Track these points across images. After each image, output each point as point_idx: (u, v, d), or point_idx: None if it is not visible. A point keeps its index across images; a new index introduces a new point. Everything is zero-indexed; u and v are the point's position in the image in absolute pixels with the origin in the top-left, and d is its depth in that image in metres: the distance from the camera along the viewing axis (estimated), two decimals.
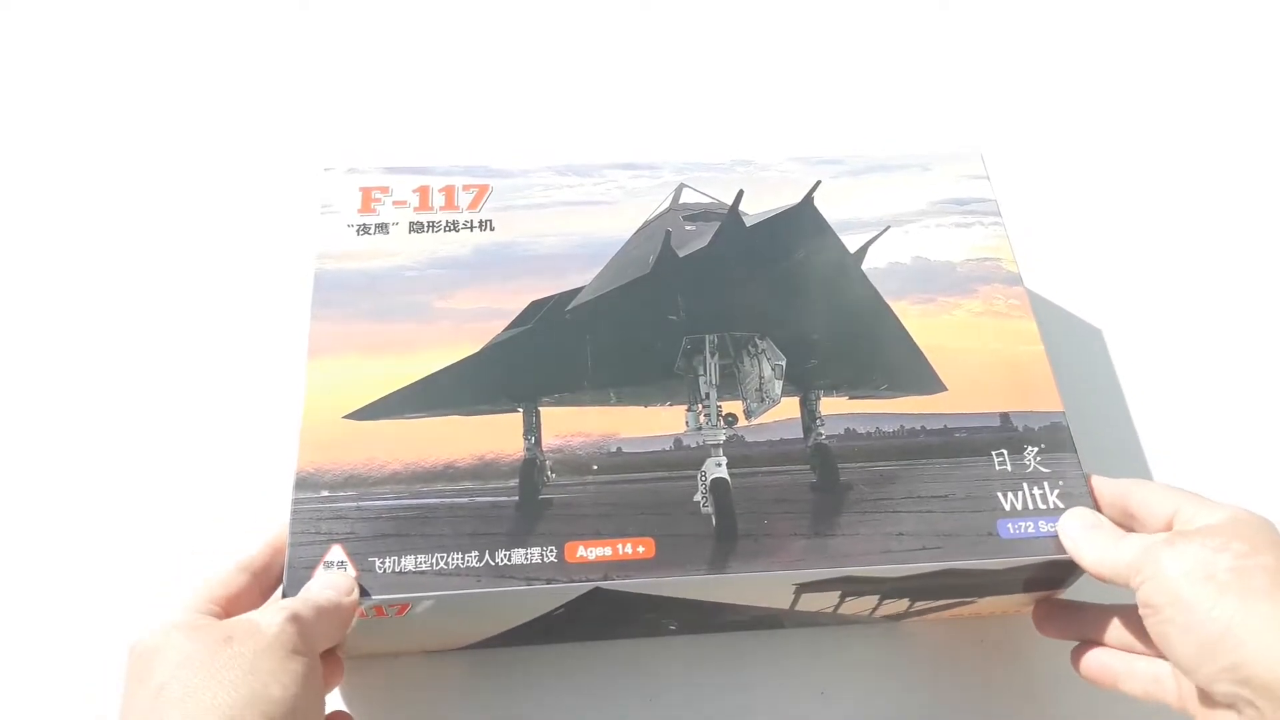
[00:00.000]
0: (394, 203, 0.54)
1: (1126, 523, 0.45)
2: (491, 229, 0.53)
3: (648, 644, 0.50)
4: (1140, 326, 0.63)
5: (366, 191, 0.54)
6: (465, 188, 0.55)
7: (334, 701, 0.47)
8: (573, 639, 0.50)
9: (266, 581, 0.43)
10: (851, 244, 0.54)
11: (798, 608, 0.48)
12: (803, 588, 0.46)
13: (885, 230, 0.54)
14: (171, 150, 0.68)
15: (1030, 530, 0.45)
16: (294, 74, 0.73)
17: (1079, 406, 0.50)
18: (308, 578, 0.42)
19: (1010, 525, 0.45)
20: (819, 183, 0.55)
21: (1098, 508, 0.46)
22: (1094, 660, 0.45)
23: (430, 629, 0.47)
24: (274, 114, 0.71)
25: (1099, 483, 0.47)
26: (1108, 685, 0.45)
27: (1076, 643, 0.47)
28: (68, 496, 0.54)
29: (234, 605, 0.40)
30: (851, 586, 0.46)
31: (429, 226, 0.53)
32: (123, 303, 0.61)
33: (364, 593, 0.42)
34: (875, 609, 0.49)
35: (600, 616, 0.47)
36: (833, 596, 0.47)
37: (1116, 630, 0.44)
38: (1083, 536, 0.43)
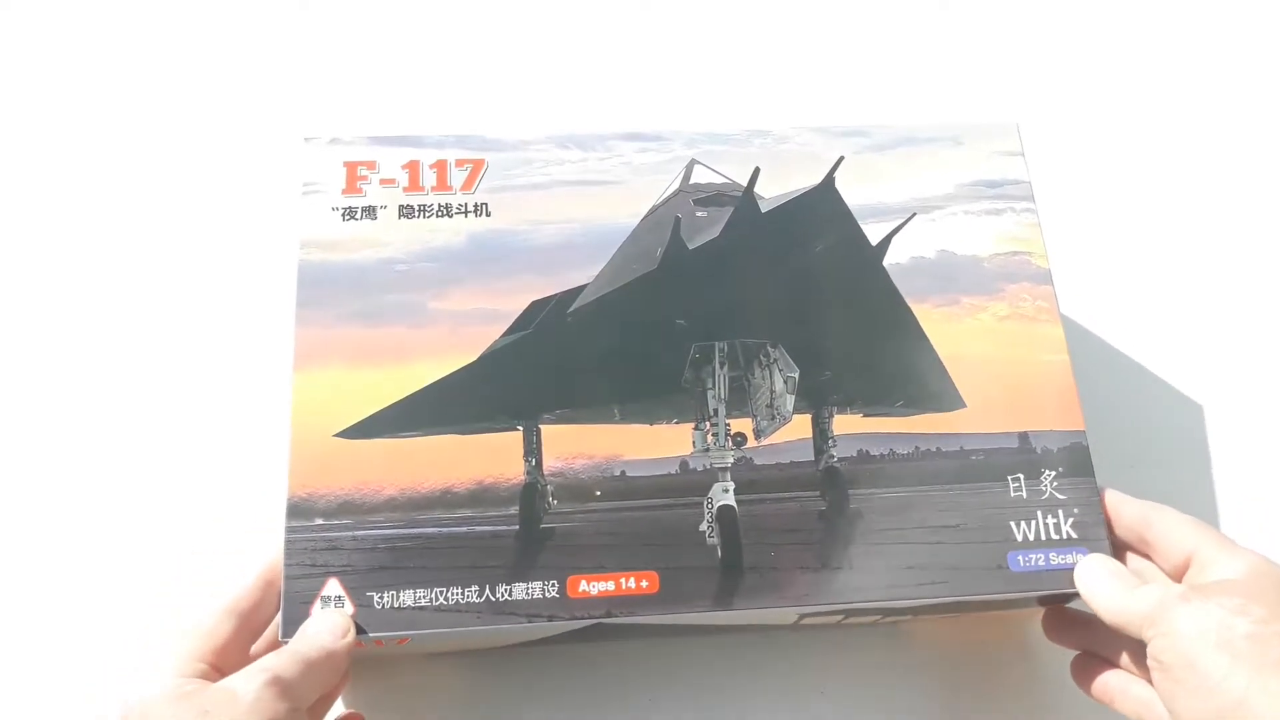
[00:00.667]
0: (381, 181, 0.50)
1: (1141, 548, 0.44)
2: (487, 214, 0.50)
3: (648, 645, 0.50)
4: (1166, 325, 0.60)
5: (351, 167, 0.50)
6: (459, 163, 0.50)
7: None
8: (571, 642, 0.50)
9: (257, 622, 0.42)
10: (874, 233, 0.50)
11: (801, 624, 0.48)
12: (806, 615, 0.45)
13: (910, 219, 0.51)
14: (140, 118, 0.62)
15: (1041, 563, 0.45)
16: (273, 34, 0.65)
17: (1098, 419, 0.49)
18: (304, 614, 0.41)
19: (1021, 558, 0.45)
20: (841, 160, 0.51)
21: (1110, 528, 0.45)
22: (1094, 675, 0.45)
23: (429, 650, 0.46)
24: (251, 77, 0.64)
25: (1117, 500, 0.45)
26: (1103, 702, 0.45)
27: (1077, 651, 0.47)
28: (62, 502, 0.52)
29: (224, 656, 0.40)
30: (855, 613, 0.46)
31: (420, 211, 0.49)
32: (90, 295, 0.57)
33: (361, 630, 0.42)
34: (877, 621, 0.49)
35: (601, 633, 0.47)
36: (835, 618, 0.47)
37: (1122, 650, 0.44)
38: (1099, 585, 0.42)
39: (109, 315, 0.57)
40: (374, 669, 0.49)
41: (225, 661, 0.40)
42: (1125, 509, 0.45)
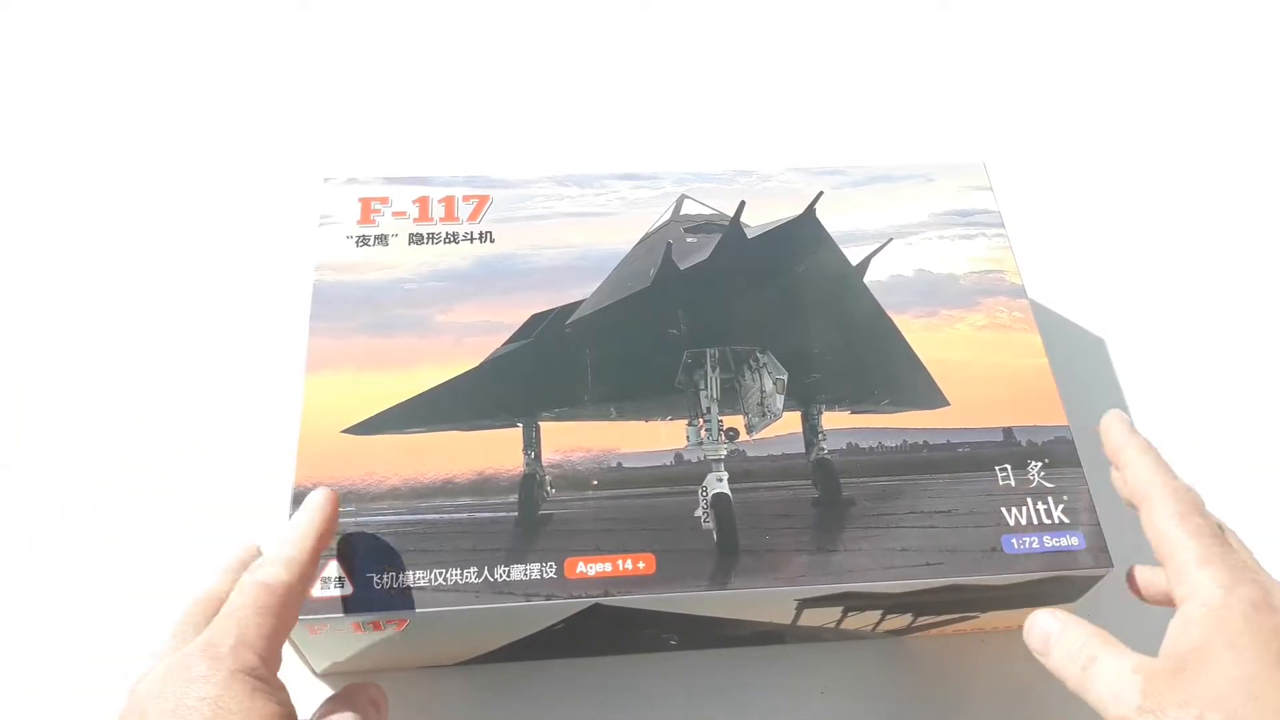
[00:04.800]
0: (393, 214, 0.53)
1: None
2: (491, 241, 0.53)
3: (647, 659, 0.50)
4: (1145, 337, 0.63)
5: (366, 202, 0.54)
6: (465, 198, 0.54)
7: None
8: (571, 655, 0.50)
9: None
10: (854, 256, 0.54)
11: (799, 623, 0.48)
12: (804, 603, 0.45)
13: (888, 242, 0.54)
14: (169, 160, 0.68)
15: (1035, 546, 0.45)
16: (293, 83, 0.73)
17: (1083, 418, 0.50)
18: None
19: (1015, 540, 0.45)
20: (821, 194, 0.55)
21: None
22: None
23: (427, 644, 0.46)
24: (273, 123, 0.70)
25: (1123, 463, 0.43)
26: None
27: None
28: (62, 513, 0.53)
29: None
30: (854, 602, 0.46)
31: (429, 238, 0.53)
32: (118, 315, 0.60)
33: (362, 608, 0.42)
34: (878, 624, 0.49)
35: (600, 632, 0.47)
36: (835, 612, 0.47)
37: None
38: (1048, 650, 0.40)
39: (113, 335, 0.60)
40: None
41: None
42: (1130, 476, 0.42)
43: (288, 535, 0.40)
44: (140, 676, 0.37)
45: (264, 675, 0.36)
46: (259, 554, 0.42)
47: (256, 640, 0.36)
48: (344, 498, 0.45)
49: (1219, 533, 0.38)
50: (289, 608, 0.38)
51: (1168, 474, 0.41)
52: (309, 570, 0.40)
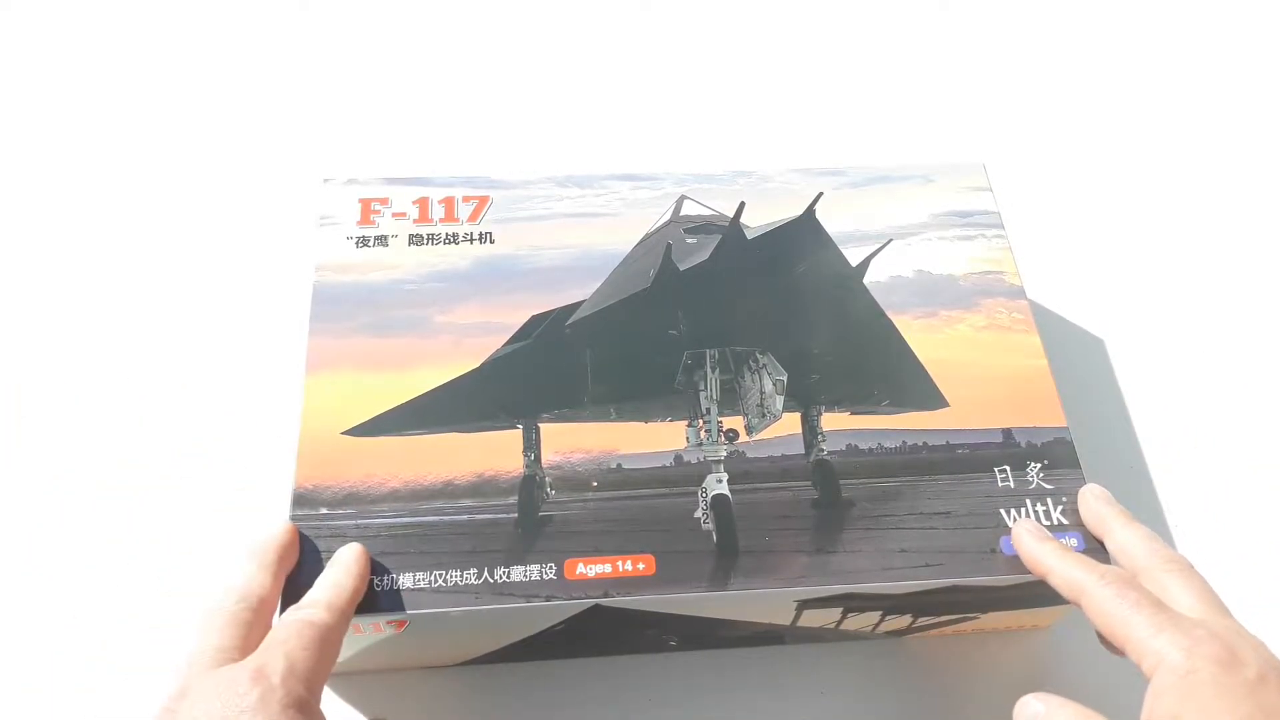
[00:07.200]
0: (393, 214, 0.53)
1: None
2: (491, 241, 0.53)
3: (647, 659, 0.50)
4: (1144, 338, 0.63)
5: (366, 203, 0.54)
6: (465, 199, 0.54)
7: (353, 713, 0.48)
8: (571, 656, 0.50)
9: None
10: (853, 257, 0.54)
11: (799, 624, 0.48)
12: (804, 604, 0.45)
13: (887, 243, 0.54)
14: (169, 161, 0.68)
15: None
16: (293, 84, 0.73)
17: (1082, 419, 0.50)
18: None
19: None
20: (820, 195, 0.55)
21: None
22: None
23: (427, 645, 0.46)
24: (273, 124, 0.70)
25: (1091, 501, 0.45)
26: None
27: None
28: (62, 513, 0.53)
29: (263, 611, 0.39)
30: (854, 603, 0.46)
31: (428, 239, 0.53)
32: (118, 315, 0.60)
33: (362, 609, 0.42)
34: (877, 625, 0.49)
35: (600, 633, 0.47)
36: (834, 613, 0.47)
37: None
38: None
39: (113, 337, 0.60)
40: (368, 687, 0.49)
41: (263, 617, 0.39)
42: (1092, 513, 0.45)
43: (325, 584, 0.41)
44: (179, 692, 0.36)
45: (313, 711, 0.36)
46: (292, 540, 0.42)
47: (305, 674, 0.36)
48: (344, 500, 0.45)
49: (1159, 602, 0.38)
50: (331, 646, 0.38)
51: (1088, 564, 0.41)
52: (348, 616, 0.40)
